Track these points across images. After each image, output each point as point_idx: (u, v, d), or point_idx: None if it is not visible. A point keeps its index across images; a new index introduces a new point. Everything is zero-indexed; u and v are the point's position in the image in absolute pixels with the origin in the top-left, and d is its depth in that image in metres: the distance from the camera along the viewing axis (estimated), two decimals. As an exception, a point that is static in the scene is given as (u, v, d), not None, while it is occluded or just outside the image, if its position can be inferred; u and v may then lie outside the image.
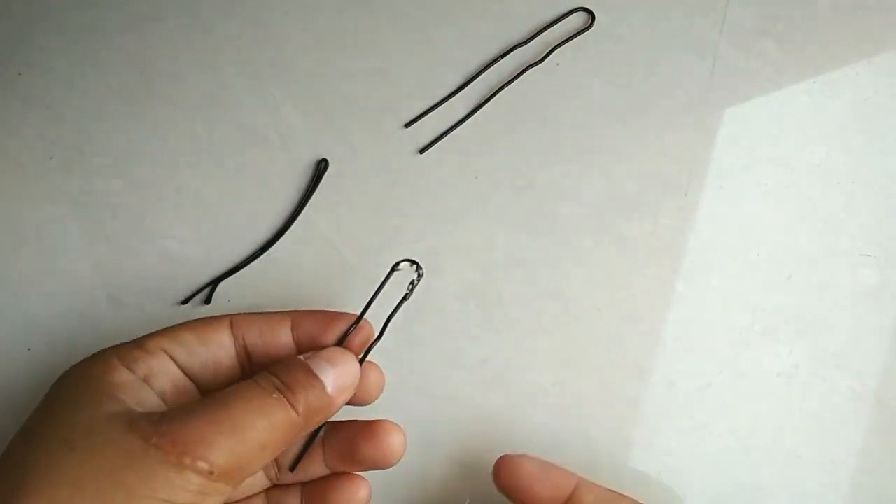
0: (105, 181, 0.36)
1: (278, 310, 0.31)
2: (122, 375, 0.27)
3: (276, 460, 0.32)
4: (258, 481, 0.32)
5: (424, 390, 0.33)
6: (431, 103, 0.36)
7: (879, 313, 0.35)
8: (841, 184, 0.35)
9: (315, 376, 0.27)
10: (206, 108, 0.36)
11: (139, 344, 0.29)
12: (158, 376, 0.28)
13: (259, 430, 0.25)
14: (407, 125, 0.36)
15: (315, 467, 0.31)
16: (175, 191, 0.36)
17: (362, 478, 0.32)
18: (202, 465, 0.24)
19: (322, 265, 0.36)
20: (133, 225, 0.36)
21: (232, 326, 0.30)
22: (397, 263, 0.31)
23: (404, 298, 0.30)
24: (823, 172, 0.35)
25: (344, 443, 0.31)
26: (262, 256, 0.36)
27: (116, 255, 0.36)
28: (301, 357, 0.28)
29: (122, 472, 0.23)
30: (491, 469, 0.31)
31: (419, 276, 0.31)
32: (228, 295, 0.36)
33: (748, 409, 0.35)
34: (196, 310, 0.35)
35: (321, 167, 0.35)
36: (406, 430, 0.31)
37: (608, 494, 0.31)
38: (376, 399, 0.31)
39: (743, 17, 0.35)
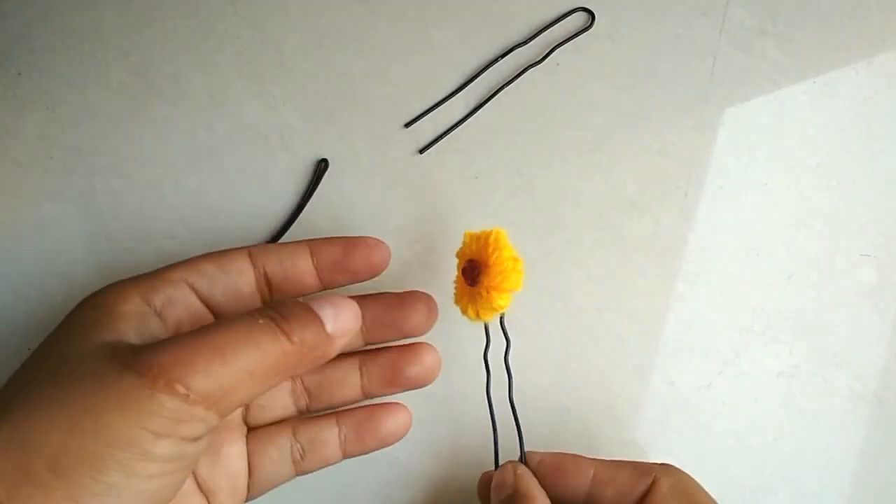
0: (105, 181, 0.36)
1: (290, 242, 0.31)
2: (132, 305, 0.27)
3: (306, 387, 0.32)
4: (282, 407, 0.32)
5: (424, 390, 0.33)
6: (431, 103, 0.36)
7: (879, 313, 0.35)
8: (841, 184, 0.35)
9: (313, 312, 0.26)
10: (206, 108, 0.36)
11: (159, 274, 0.29)
12: (176, 306, 0.28)
13: (246, 356, 0.24)
14: (407, 125, 0.36)
15: (349, 393, 0.32)
16: (175, 191, 0.36)
17: (403, 404, 0.32)
18: (178, 387, 0.23)
19: (322, 265, 0.36)
20: (133, 225, 0.36)
21: (250, 256, 0.30)
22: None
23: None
24: (823, 172, 0.35)
25: (385, 366, 0.32)
26: (262, 256, 0.36)
27: (116, 255, 0.36)
28: (300, 299, 0.28)
29: (93, 398, 0.23)
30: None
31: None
32: (228, 295, 0.36)
33: (748, 409, 0.35)
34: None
35: (321, 167, 0.35)
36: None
37: (634, 473, 0.30)
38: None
39: (743, 17, 0.35)
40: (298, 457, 0.31)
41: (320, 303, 0.27)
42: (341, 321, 0.27)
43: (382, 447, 0.32)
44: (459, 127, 0.36)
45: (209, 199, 0.36)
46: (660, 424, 0.35)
